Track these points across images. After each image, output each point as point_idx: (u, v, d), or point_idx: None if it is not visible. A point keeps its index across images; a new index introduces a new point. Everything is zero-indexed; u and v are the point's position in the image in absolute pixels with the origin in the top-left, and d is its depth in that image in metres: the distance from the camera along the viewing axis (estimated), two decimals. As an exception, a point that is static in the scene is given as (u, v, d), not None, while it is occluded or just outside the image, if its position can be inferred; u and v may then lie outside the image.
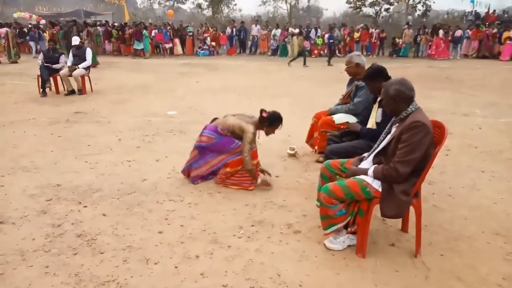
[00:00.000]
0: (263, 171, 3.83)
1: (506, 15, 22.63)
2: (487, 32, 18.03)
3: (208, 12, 31.12)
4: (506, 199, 3.53)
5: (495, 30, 17.81)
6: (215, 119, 3.90)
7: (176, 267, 2.51)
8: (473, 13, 23.30)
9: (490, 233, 2.95)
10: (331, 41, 17.39)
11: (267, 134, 3.74)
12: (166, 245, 2.76)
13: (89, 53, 8.70)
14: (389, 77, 3.27)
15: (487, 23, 19.08)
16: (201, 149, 3.74)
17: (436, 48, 18.07)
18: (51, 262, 2.55)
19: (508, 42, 17.20)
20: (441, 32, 18.02)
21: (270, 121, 3.67)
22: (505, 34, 17.32)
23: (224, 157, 3.69)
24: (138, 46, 18.65)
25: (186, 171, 3.89)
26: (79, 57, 8.58)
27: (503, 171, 4.21)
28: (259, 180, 3.70)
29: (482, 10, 22.69)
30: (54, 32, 18.64)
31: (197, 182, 3.82)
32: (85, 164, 4.36)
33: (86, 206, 3.35)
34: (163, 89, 9.69)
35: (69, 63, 8.56)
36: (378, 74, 3.30)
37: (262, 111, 3.65)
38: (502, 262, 2.60)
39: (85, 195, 3.56)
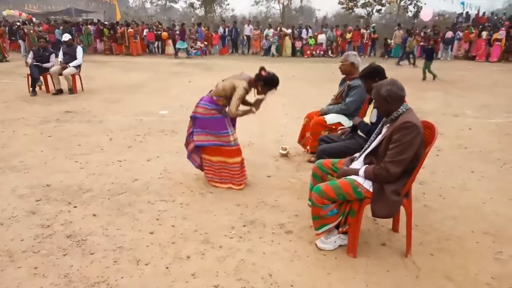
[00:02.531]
0: (251, 105, 3.68)
1: (495, 17, 22.92)
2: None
3: (200, 12, 31.06)
4: (495, 199, 3.57)
5: (487, 33, 17.95)
6: (211, 91, 3.77)
7: (167, 267, 2.50)
8: (464, 15, 23.55)
9: (480, 232, 2.98)
10: (405, 40, 16.84)
11: (258, 93, 3.59)
12: (157, 245, 2.74)
13: (80, 51, 8.61)
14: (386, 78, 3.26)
15: (480, 26, 19.28)
16: (195, 120, 3.61)
17: (478, 50, 18.05)
18: (40, 263, 2.52)
19: (496, 43, 17.45)
20: (484, 33, 17.88)
21: (266, 82, 3.49)
22: (494, 36, 17.55)
23: (212, 139, 3.58)
24: (181, 45, 18.73)
25: (186, 144, 3.81)
26: (70, 55, 8.48)
27: (492, 171, 4.26)
28: (253, 109, 3.57)
29: (472, 12, 22.96)
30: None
31: (194, 160, 3.78)
32: (75, 164, 4.32)
33: (76, 207, 3.31)
34: (155, 88, 9.63)
35: (59, 59, 8.48)
36: (376, 74, 3.25)
37: (261, 69, 3.52)
38: (492, 261, 2.62)
39: (75, 195, 3.53)
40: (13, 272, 2.42)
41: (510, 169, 4.33)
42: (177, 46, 18.94)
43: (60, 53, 8.56)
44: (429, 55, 11.51)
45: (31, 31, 15.21)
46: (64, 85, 8.48)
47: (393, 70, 13.32)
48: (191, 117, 3.66)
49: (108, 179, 3.92)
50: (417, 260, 2.61)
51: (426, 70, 11.36)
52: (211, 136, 3.59)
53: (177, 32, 19.50)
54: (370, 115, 3.32)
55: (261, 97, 3.64)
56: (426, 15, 11.53)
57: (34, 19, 22.23)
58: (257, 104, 3.64)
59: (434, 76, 11.30)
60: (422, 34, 17.98)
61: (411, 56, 15.87)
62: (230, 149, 3.59)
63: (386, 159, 2.43)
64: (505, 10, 27.04)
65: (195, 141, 3.64)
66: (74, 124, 6.06)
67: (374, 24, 22.27)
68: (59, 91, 8.40)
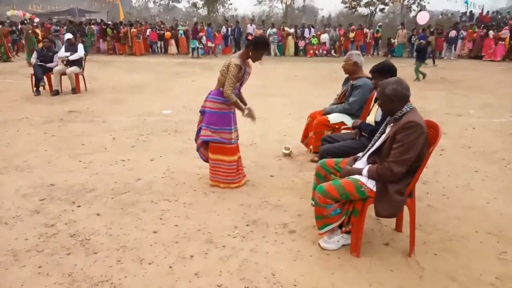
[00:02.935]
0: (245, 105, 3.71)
1: (499, 16, 22.82)
2: (481, 33, 18.14)
3: (203, 11, 31.10)
4: (499, 199, 3.56)
5: (493, 32, 17.84)
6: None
7: (170, 267, 2.50)
8: (467, 14, 23.47)
9: (484, 232, 2.97)
10: (422, 41, 16.66)
11: (253, 60, 3.57)
12: (161, 245, 2.75)
13: (81, 46, 8.62)
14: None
15: (483, 25, 19.22)
16: (204, 114, 3.64)
17: (487, 50, 17.86)
18: (44, 262, 2.53)
19: (500, 42, 17.37)
20: (491, 33, 17.63)
21: (255, 45, 3.46)
22: (498, 35, 17.48)
23: (215, 136, 3.59)
24: (194, 44, 18.75)
25: (195, 138, 3.82)
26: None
27: (496, 171, 4.24)
28: (246, 112, 3.59)
29: (476, 11, 22.89)
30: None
31: (202, 154, 3.78)
32: (79, 164, 4.33)
33: (79, 206, 3.32)
34: (158, 88, 9.65)
35: (60, 54, 8.46)
36: (388, 71, 3.24)
37: (248, 35, 3.57)
38: (495, 261, 2.61)
39: (78, 195, 3.54)
40: (17, 271, 2.43)
41: (514, 169, 4.31)
42: (191, 46, 18.98)
43: (62, 49, 8.56)
44: (422, 54, 11.43)
45: (29, 31, 15.25)
46: (67, 85, 8.49)
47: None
48: (200, 111, 3.68)
49: (111, 178, 3.93)
50: (421, 260, 2.60)
51: (425, 68, 11.26)
52: (213, 133, 3.60)
53: (180, 32, 19.53)
54: (375, 114, 3.31)
55: (254, 116, 3.64)
56: (422, 19, 11.50)
57: (37, 19, 22.31)
58: (250, 110, 3.62)
59: (418, 78, 11.11)
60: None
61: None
62: (229, 147, 3.60)
63: (390, 158, 2.42)
64: (508, 9, 26.90)
65: (201, 136, 3.66)
66: (78, 124, 6.08)
67: (380, 23, 22.22)
68: (56, 92, 8.35)
